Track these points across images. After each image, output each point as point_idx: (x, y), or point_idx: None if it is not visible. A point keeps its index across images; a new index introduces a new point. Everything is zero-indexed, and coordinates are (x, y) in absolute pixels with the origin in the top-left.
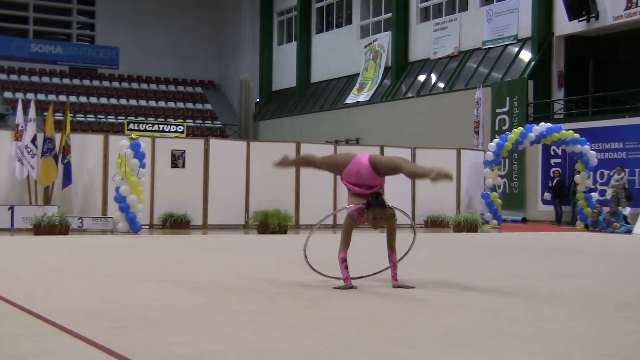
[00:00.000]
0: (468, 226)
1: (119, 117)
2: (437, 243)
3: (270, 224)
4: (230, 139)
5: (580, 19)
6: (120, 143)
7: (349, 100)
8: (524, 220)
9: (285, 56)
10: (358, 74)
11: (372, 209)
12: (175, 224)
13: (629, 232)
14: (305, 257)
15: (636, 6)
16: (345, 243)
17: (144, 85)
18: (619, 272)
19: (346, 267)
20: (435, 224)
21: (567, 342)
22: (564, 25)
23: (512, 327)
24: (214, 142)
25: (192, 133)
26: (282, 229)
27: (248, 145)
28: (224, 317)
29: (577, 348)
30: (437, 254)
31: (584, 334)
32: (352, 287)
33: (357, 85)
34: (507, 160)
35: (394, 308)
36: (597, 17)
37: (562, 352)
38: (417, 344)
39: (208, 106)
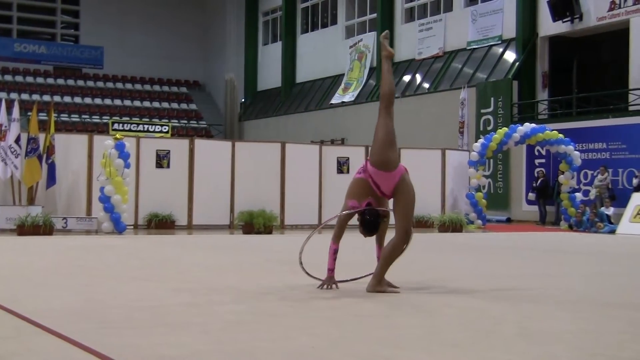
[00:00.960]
0: (453, 226)
1: (104, 117)
2: (422, 243)
3: (255, 224)
4: (215, 139)
5: (564, 20)
6: (104, 143)
7: (334, 101)
8: (508, 220)
9: (271, 56)
10: (343, 74)
11: (363, 226)
12: (160, 224)
13: (613, 232)
14: (301, 262)
15: (619, 7)
16: (338, 235)
17: (128, 85)
18: (605, 272)
19: (334, 259)
20: (420, 224)
21: (553, 342)
22: (548, 26)
23: (498, 327)
24: (199, 142)
25: (177, 133)
26: (267, 229)
27: (233, 146)
28: (209, 318)
29: (563, 347)
30: (422, 254)
31: (569, 333)
32: (334, 284)
33: (343, 85)
34: (491, 160)
35: (380, 308)
36: (580, 18)
37: (548, 351)
38: (403, 344)
39: (193, 106)
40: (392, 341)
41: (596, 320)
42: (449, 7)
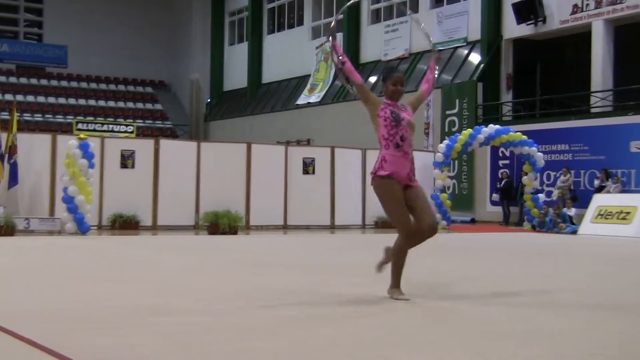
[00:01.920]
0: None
1: (68, 117)
2: (388, 244)
3: (220, 224)
4: (180, 139)
5: (528, 23)
6: (68, 143)
7: (300, 101)
8: (472, 221)
9: (237, 57)
10: (309, 75)
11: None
12: (125, 224)
13: (574, 232)
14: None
15: (582, 11)
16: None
17: (93, 85)
18: (577, 271)
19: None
20: (385, 224)
21: (541, 342)
22: (512, 28)
23: (486, 327)
24: (164, 143)
25: (142, 133)
26: (232, 230)
27: (198, 146)
28: (172, 318)
29: (549, 347)
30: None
31: (556, 334)
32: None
33: (309, 86)
34: (456, 161)
35: (327, 310)
36: (544, 21)
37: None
38: (390, 344)
39: (158, 106)
40: (349, 342)
41: (580, 320)
42: (414, 9)
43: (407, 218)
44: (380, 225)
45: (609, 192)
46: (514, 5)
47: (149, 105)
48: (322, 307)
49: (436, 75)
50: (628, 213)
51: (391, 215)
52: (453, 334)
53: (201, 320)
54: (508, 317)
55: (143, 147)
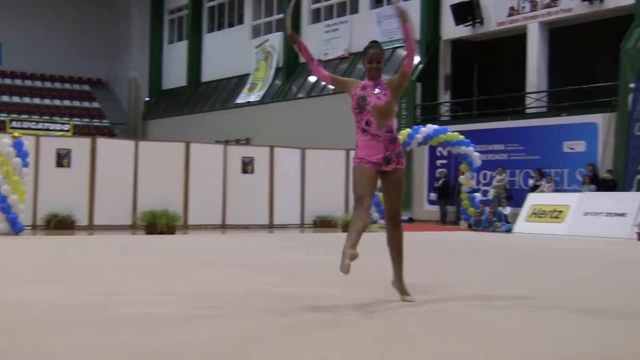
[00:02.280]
0: None
1: (1, 115)
2: (328, 243)
3: (158, 224)
4: (118, 138)
5: (465, 24)
6: (1, 141)
7: (239, 100)
8: (410, 220)
9: (176, 55)
10: (249, 74)
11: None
12: (60, 224)
13: (509, 231)
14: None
15: (518, 13)
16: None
17: (28, 82)
18: (514, 269)
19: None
20: (324, 224)
21: (490, 339)
22: (450, 29)
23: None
24: (101, 141)
25: (78, 132)
26: (170, 230)
27: (136, 145)
28: (110, 319)
29: (509, 346)
30: (332, 255)
31: (508, 332)
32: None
33: (248, 85)
34: None
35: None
36: (481, 23)
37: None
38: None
39: (95, 104)
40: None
41: (534, 319)
42: (355, 9)
43: (361, 190)
44: (319, 224)
45: (542, 191)
46: (452, 7)
47: (86, 104)
48: (234, 309)
49: (414, 38)
50: (561, 212)
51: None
52: (417, 333)
53: (135, 320)
54: (453, 314)
55: (79, 146)
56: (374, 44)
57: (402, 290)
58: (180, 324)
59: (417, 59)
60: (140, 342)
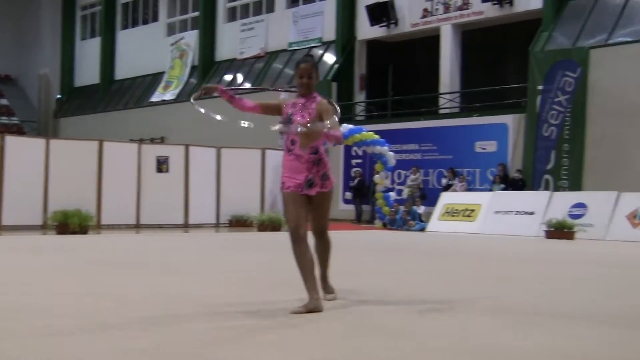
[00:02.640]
0: (272, 225)
1: None
2: (244, 242)
3: (70, 224)
4: (28, 136)
5: (381, 25)
6: None
7: (154, 99)
8: None
9: (89, 52)
10: (164, 72)
11: None
12: None
13: (423, 229)
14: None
15: (431, 15)
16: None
17: None
18: (431, 268)
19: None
20: (239, 223)
21: (411, 339)
22: (365, 30)
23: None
24: (10, 140)
25: None
26: (83, 230)
27: (47, 143)
28: (19, 323)
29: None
30: (248, 254)
31: (424, 332)
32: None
33: (163, 83)
34: None
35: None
36: (396, 24)
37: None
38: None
39: (4, 101)
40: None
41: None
42: (271, 8)
43: (295, 221)
44: (235, 223)
45: (455, 190)
46: (367, 8)
47: None
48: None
49: (335, 134)
50: (472, 210)
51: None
52: (343, 332)
53: (47, 322)
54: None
55: None
56: (307, 58)
57: (326, 289)
58: (98, 325)
59: (332, 60)
60: (42, 347)
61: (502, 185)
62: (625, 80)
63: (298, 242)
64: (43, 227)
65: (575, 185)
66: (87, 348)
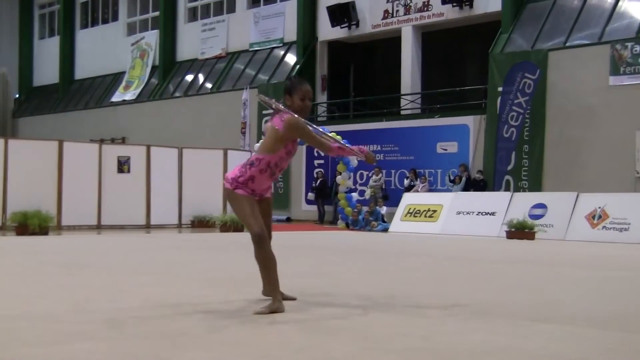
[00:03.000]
0: (234, 226)
1: None
2: (207, 243)
3: (30, 225)
4: None
5: (342, 26)
6: None
7: (115, 99)
8: (288, 219)
9: (47, 51)
10: (124, 72)
11: None
12: None
13: (386, 230)
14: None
15: (392, 17)
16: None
17: None
18: (379, 268)
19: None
20: (202, 224)
21: (370, 340)
22: (327, 31)
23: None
24: None
25: None
26: (43, 230)
27: (6, 143)
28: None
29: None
30: (212, 254)
31: (386, 334)
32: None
33: (124, 83)
34: None
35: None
36: (357, 25)
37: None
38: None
39: None
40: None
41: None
42: (232, 8)
43: (258, 225)
44: (197, 224)
45: (417, 191)
46: (329, 9)
47: None
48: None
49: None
50: (434, 211)
51: (244, 222)
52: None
53: (9, 325)
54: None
55: None
56: (302, 78)
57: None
58: (59, 330)
59: (293, 60)
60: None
61: (461, 185)
62: (582, 82)
63: (263, 244)
64: (2, 229)
65: (536, 185)
66: (42, 352)
